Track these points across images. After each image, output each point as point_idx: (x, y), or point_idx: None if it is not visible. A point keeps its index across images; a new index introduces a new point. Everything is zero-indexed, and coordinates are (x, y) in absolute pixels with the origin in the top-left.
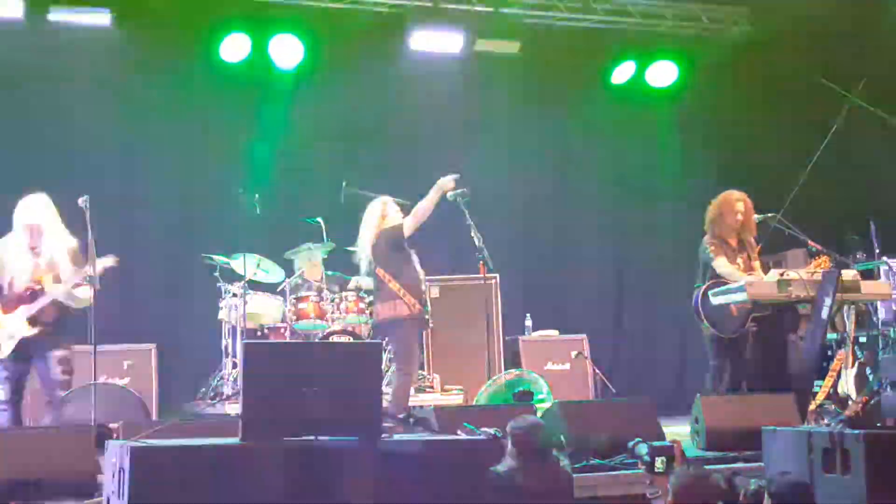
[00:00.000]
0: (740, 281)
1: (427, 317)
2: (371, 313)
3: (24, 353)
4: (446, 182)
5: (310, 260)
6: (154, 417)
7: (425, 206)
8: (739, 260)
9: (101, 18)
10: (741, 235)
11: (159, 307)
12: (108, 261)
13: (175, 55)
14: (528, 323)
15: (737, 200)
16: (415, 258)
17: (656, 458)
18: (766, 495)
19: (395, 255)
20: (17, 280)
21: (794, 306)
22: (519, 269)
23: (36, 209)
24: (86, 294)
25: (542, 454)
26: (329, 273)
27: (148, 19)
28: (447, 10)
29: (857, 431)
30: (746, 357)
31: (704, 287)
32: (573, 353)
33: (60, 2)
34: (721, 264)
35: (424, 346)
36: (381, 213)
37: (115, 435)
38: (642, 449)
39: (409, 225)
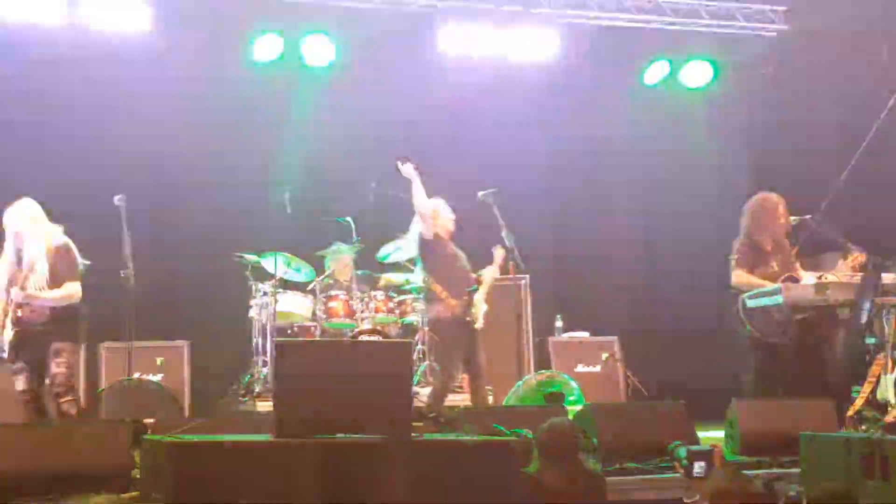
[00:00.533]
0: (768, 286)
1: (468, 318)
2: (399, 313)
3: (28, 348)
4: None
5: (339, 259)
6: (186, 413)
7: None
8: (774, 263)
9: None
10: (776, 237)
11: (192, 305)
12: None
13: (208, 55)
14: (559, 324)
15: (779, 204)
16: (460, 259)
17: (695, 463)
18: (804, 502)
19: (434, 256)
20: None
21: (833, 310)
22: (549, 269)
23: (14, 215)
24: (59, 293)
25: (573, 456)
26: (358, 272)
27: (182, 21)
28: (478, 9)
29: None
30: (783, 360)
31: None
32: (604, 356)
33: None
34: (736, 276)
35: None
36: (432, 215)
37: (149, 430)
38: (681, 452)
39: (423, 227)
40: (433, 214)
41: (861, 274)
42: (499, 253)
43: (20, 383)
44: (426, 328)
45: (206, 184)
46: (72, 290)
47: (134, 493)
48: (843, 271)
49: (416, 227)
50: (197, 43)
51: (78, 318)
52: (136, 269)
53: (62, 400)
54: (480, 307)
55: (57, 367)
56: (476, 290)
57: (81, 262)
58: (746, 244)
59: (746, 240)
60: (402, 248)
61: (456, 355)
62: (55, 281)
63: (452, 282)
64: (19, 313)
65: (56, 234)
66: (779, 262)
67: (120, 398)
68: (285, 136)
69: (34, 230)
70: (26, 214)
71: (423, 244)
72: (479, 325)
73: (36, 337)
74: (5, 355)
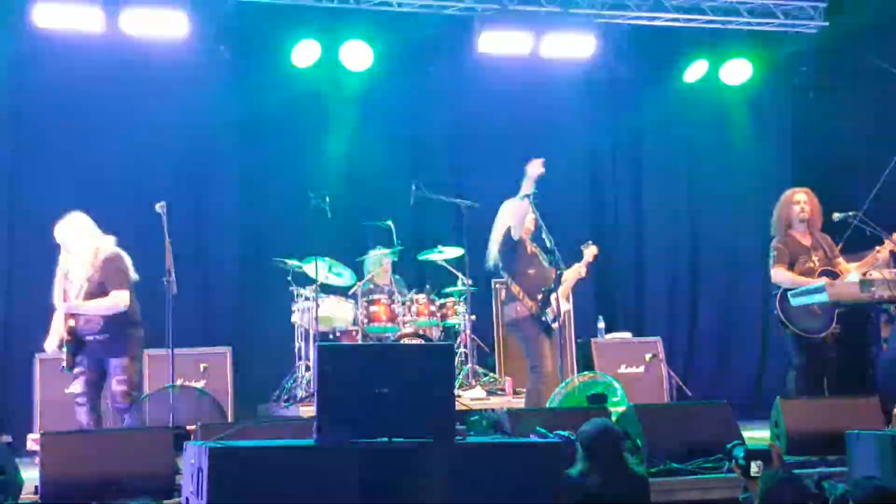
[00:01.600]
0: (816, 282)
1: (544, 318)
2: (441, 316)
3: (85, 356)
4: (533, 168)
5: (380, 264)
6: (230, 418)
7: (518, 201)
8: (815, 258)
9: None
10: (811, 230)
11: (234, 311)
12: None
13: (247, 61)
14: (601, 325)
15: (795, 194)
16: (539, 260)
17: (752, 463)
18: (850, 501)
19: (512, 256)
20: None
21: (879, 307)
22: (591, 270)
23: (61, 228)
24: (106, 303)
25: (616, 457)
26: (396, 277)
27: (220, 28)
28: (516, 11)
29: None
30: (829, 358)
31: (781, 290)
32: (647, 356)
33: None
34: (776, 273)
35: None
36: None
37: (192, 436)
38: (739, 452)
39: (513, 226)
40: (525, 214)
41: None
42: (589, 251)
43: (77, 387)
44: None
45: (247, 190)
46: (118, 298)
47: (177, 500)
48: (884, 258)
49: (503, 226)
50: (235, 49)
51: (133, 328)
52: (178, 275)
53: (124, 416)
54: (557, 306)
55: (118, 385)
56: (553, 289)
57: (133, 273)
58: (781, 241)
59: (780, 236)
60: (443, 252)
61: (542, 351)
62: (103, 291)
63: (531, 281)
64: (72, 323)
65: (106, 246)
66: (819, 256)
67: (163, 405)
68: (325, 141)
69: (82, 243)
70: (75, 228)
71: (510, 244)
72: (554, 324)
73: (92, 346)
74: (64, 364)
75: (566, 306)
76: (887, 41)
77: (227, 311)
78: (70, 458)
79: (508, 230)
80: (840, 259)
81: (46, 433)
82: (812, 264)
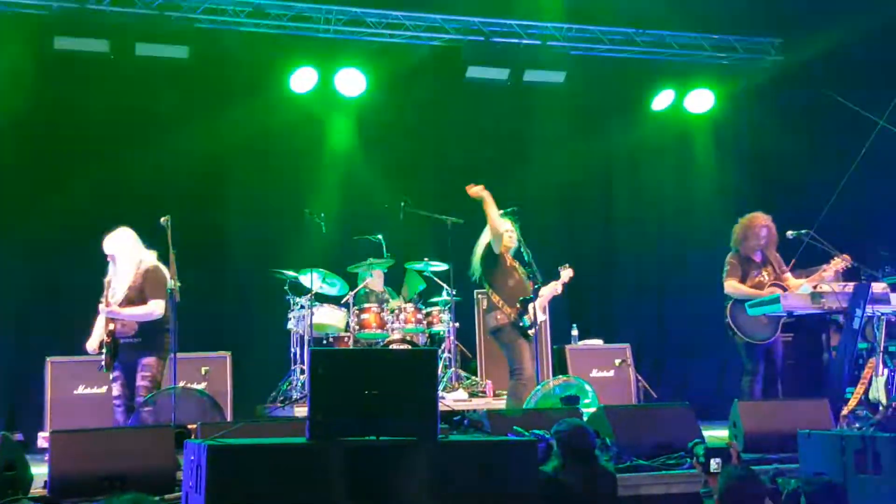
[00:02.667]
0: (768, 293)
1: (522, 324)
2: (427, 323)
3: (121, 359)
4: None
5: (373, 274)
6: (229, 418)
7: (489, 221)
8: (764, 273)
9: (179, 52)
10: (765, 251)
11: (235, 318)
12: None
13: (248, 87)
14: (574, 333)
15: (762, 226)
16: (518, 273)
17: (712, 459)
18: (802, 495)
19: (493, 268)
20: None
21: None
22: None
23: (110, 241)
24: (141, 310)
25: (587, 455)
26: (389, 287)
27: (221, 53)
28: (497, 43)
29: (888, 434)
30: (780, 363)
31: (733, 301)
32: (617, 361)
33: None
34: (728, 285)
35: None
36: (505, 231)
37: (193, 435)
38: (700, 449)
39: (494, 241)
40: (506, 231)
41: (853, 283)
42: (566, 273)
43: (115, 389)
44: (450, 338)
45: (248, 206)
46: (153, 307)
47: (178, 494)
48: (829, 275)
49: (484, 241)
50: (235, 74)
51: (164, 333)
52: (182, 285)
53: (143, 409)
54: (533, 314)
55: (142, 380)
56: (532, 299)
57: (172, 283)
58: (736, 257)
59: (736, 254)
60: (429, 264)
61: (522, 356)
62: (142, 299)
63: (510, 292)
64: (111, 327)
65: (147, 259)
66: (769, 272)
67: (166, 405)
68: (321, 161)
69: (125, 255)
70: (122, 240)
71: (490, 258)
72: (531, 330)
73: (127, 349)
74: (103, 363)
75: (542, 317)
76: (838, 73)
77: (227, 319)
78: (77, 455)
79: (490, 244)
80: (788, 274)
81: (55, 432)
82: (762, 278)
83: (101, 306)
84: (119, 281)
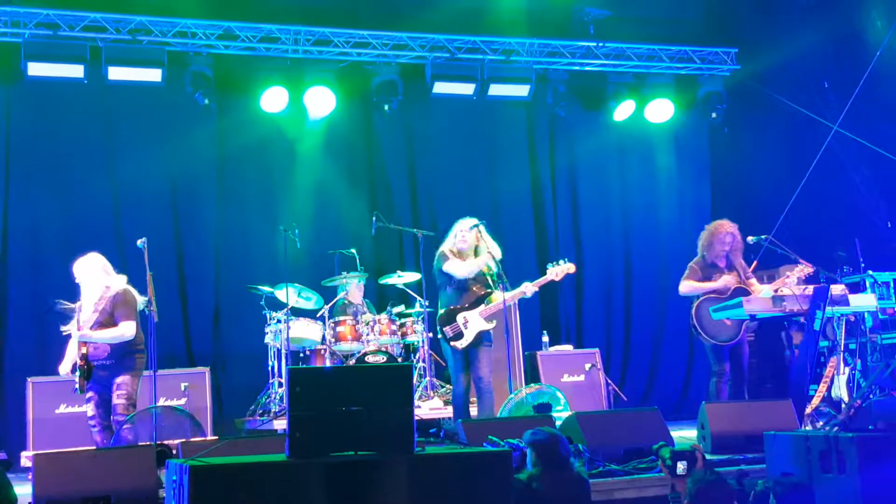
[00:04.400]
0: (708, 286)
1: (439, 336)
2: (401, 334)
3: (95, 380)
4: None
5: (351, 285)
6: (209, 433)
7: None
8: (729, 277)
9: (153, 75)
10: (731, 257)
11: (212, 334)
12: None
13: (220, 107)
14: (545, 339)
15: (727, 233)
16: (470, 287)
17: (678, 462)
18: (771, 495)
19: (451, 285)
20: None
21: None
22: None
23: (77, 267)
24: (112, 333)
25: (561, 462)
26: (364, 299)
27: (193, 76)
28: (463, 59)
29: (850, 434)
30: (746, 364)
31: (697, 302)
32: (587, 366)
33: (116, 61)
34: (682, 285)
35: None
36: (452, 235)
37: (174, 452)
38: (665, 452)
39: (450, 266)
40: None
41: (813, 286)
42: (525, 288)
43: (90, 410)
44: (424, 348)
45: (223, 224)
46: (124, 329)
47: None
48: (793, 281)
49: (441, 264)
50: (210, 96)
51: (135, 352)
52: (160, 304)
53: (123, 428)
54: (473, 326)
55: (118, 399)
56: (460, 309)
57: (140, 306)
58: (700, 263)
59: (700, 260)
60: (402, 276)
61: (457, 370)
62: (113, 323)
63: (451, 304)
64: (84, 350)
65: (117, 283)
66: (733, 276)
67: (147, 424)
68: (293, 178)
69: (92, 281)
70: (89, 266)
71: (448, 277)
72: (455, 342)
73: (100, 371)
74: (77, 386)
75: (486, 326)
76: (792, 82)
77: (205, 335)
78: (61, 477)
79: (443, 253)
80: (753, 280)
81: (39, 454)
82: (724, 283)
83: (73, 330)
84: (86, 305)
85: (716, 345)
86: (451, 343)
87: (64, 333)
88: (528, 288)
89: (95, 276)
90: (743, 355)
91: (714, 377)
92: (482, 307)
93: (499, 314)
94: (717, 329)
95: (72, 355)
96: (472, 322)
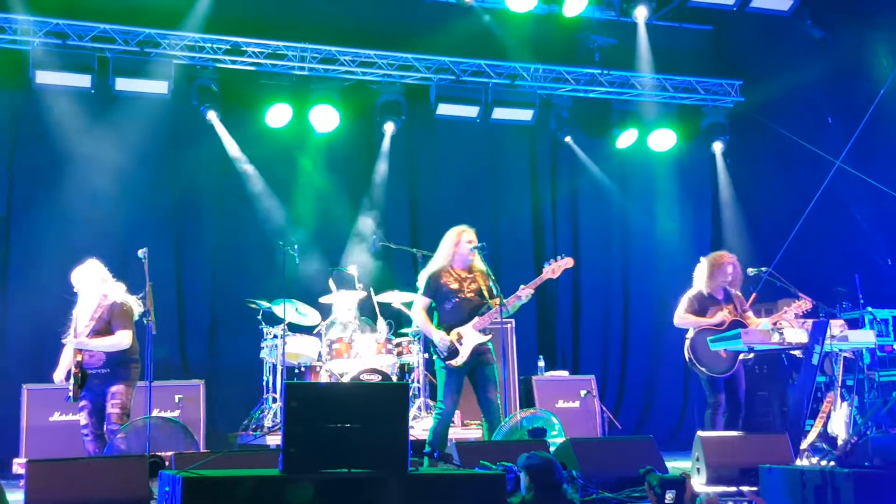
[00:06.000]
0: (703, 321)
1: (433, 355)
2: (397, 353)
3: (89, 388)
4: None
5: (344, 304)
6: (202, 446)
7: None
8: (726, 310)
9: (159, 87)
10: (729, 289)
11: (208, 347)
12: None
13: (225, 122)
14: (541, 364)
15: (727, 264)
16: (454, 304)
17: (667, 492)
18: None
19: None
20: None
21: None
22: (532, 315)
23: (76, 275)
24: (109, 341)
25: (555, 487)
26: (361, 318)
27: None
28: (467, 82)
29: (846, 470)
30: (742, 395)
31: (693, 333)
32: (582, 392)
33: (123, 72)
34: (676, 317)
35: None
36: (453, 244)
37: (167, 464)
38: (653, 479)
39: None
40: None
41: (811, 320)
42: (521, 292)
43: (83, 418)
44: (420, 368)
45: (222, 238)
46: (120, 337)
47: None
48: (790, 316)
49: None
50: (215, 111)
51: (130, 362)
52: (158, 316)
53: (116, 438)
54: (468, 341)
55: (112, 408)
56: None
57: (136, 315)
58: (697, 296)
59: (697, 292)
60: (400, 295)
61: (448, 393)
62: (109, 331)
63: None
64: (79, 358)
65: (115, 291)
66: (730, 309)
67: (141, 434)
68: (294, 195)
69: (93, 287)
70: (87, 274)
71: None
72: (456, 360)
73: (95, 379)
74: (70, 394)
75: (481, 338)
76: (795, 116)
77: (201, 347)
78: (53, 485)
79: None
80: (750, 313)
81: (32, 461)
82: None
83: (69, 337)
84: (83, 313)
85: (711, 376)
86: (448, 362)
87: (63, 341)
88: (524, 291)
89: (93, 284)
90: (739, 387)
91: (709, 409)
92: (475, 319)
93: (495, 332)
94: (713, 360)
95: (66, 363)
96: (467, 337)
